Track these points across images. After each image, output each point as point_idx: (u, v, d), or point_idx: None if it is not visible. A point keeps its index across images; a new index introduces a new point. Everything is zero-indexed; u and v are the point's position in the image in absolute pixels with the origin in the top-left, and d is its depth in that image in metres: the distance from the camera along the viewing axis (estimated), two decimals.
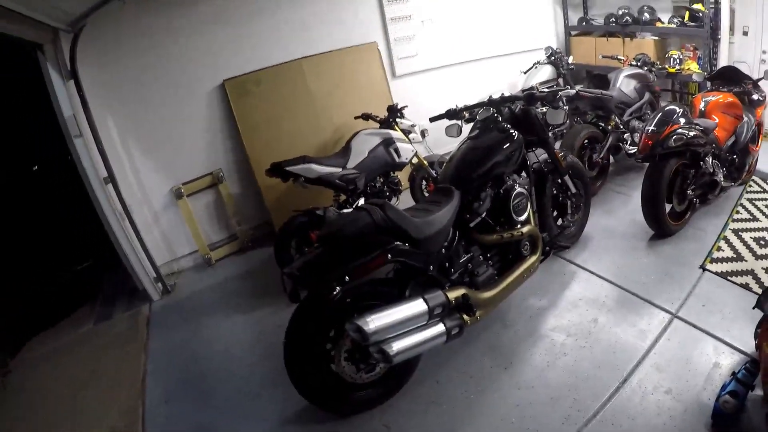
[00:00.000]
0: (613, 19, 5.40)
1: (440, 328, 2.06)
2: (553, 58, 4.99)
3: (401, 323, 1.94)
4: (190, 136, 3.83)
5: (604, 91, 4.06)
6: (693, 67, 4.84)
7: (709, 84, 3.89)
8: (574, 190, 3.09)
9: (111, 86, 3.47)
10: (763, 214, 3.62)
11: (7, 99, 3.92)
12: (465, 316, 2.18)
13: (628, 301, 2.77)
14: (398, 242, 2.01)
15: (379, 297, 2.08)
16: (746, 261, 3.06)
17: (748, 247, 3.21)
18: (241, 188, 4.14)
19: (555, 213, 3.12)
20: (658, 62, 4.80)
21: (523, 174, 2.72)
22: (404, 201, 3.97)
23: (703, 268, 3.00)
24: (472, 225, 2.45)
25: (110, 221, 3.33)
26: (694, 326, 2.51)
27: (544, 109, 3.01)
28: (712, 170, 3.31)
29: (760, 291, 2.70)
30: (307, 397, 2.10)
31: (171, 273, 3.88)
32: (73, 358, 3.08)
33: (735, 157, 3.56)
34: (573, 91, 3.77)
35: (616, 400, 2.14)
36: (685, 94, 5.38)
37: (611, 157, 4.11)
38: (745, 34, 4.87)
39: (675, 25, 4.96)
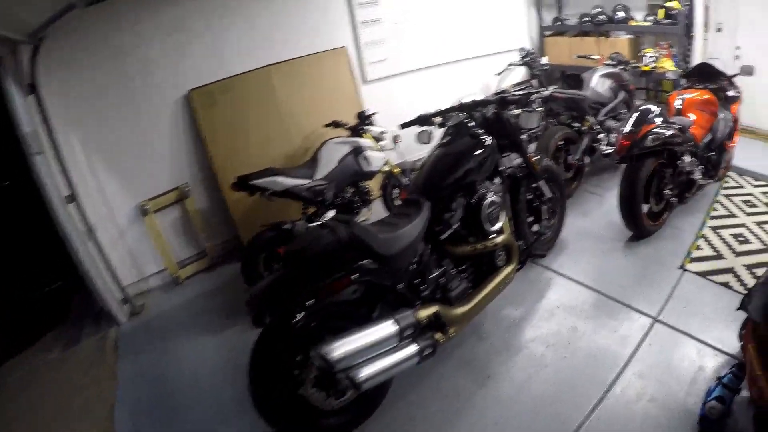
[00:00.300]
0: (588, 19, 5.45)
1: (411, 349, 2.00)
2: (526, 59, 5.00)
3: (369, 347, 1.88)
4: (155, 150, 3.74)
5: (578, 92, 4.07)
6: (667, 64, 4.90)
7: (684, 81, 3.93)
8: (549, 195, 3.06)
9: (73, 100, 3.36)
10: (740, 209, 3.66)
11: None
12: (438, 335, 2.13)
13: (608, 306, 2.74)
14: (365, 260, 1.94)
15: (347, 318, 2.01)
16: (726, 259, 3.07)
17: (726, 244, 3.23)
18: (208, 203, 4.04)
19: (530, 218, 3.09)
20: (633, 61, 4.85)
21: (497, 180, 2.67)
22: (376, 210, 3.93)
23: (682, 268, 3.00)
24: (443, 237, 2.38)
25: (73, 241, 3.21)
26: (676, 329, 2.50)
27: (518, 111, 2.99)
28: (689, 169, 3.32)
29: (741, 289, 2.75)
30: (274, 425, 2.01)
31: (139, 293, 3.77)
32: (40, 388, 2.97)
33: (712, 154, 3.58)
34: (547, 93, 3.77)
35: (599, 411, 2.11)
36: (659, 92, 5.44)
37: (587, 158, 4.10)
38: (719, 30, 4.95)
39: (650, 24, 5.02)
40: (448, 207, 2.39)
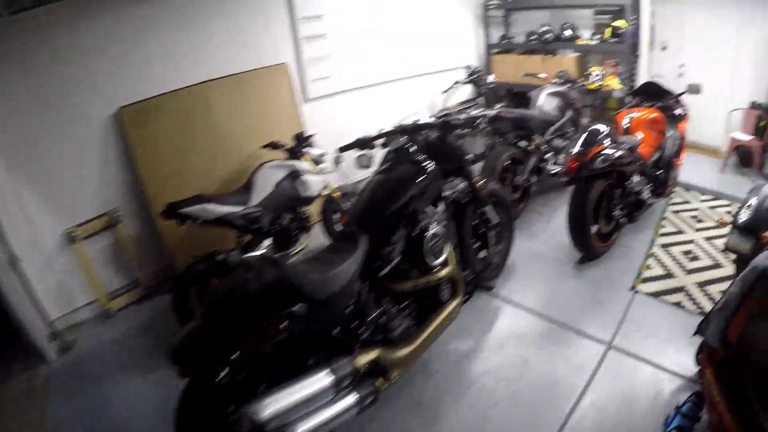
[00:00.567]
0: (535, 37, 5.57)
1: (350, 400, 1.83)
2: (473, 76, 5.01)
3: (303, 403, 1.70)
4: (83, 173, 3.50)
5: (525, 111, 4.07)
6: (614, 83, 5.04)
7: (630, 99, 4.00)
8: (496, 220, 2.97)
9: None
10: (689, 225, 3.73)
11: None
12: (379, 380, 1.97)
13: (560, 334, 2.68)
14: (296, 305, 1.76)
15: (278, 368, 1.82)
16: (677, 277, 3.10)
17: (677, 262, 3.26)
18: (140, 229, 3.80)
19: (476, 244, 2.98)
20: (581, 79, 4.95)
21: (440, 207, 2.53)
22: (316, 236, 3.80)
23: (633, 289, 3.01)
24: (382, 273, 2.22)
25: None
26: (631, 354, 2.49)
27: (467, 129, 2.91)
28: (638, 189, 3.34)
29: (693, 308, 2.79)
30: None
31: (69, 326, 3.50)
32: None
33: (660, 172, 3.64)
34: (493, 112, 3.75)
35: None
36: (605, 110, 5.59)
37: (534, 178, 4.09)
38: (664, 49, 5.18)
39: (596, 42, 5.17)
40: (388, 240, 2.22)
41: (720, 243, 3.38)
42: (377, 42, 4.87)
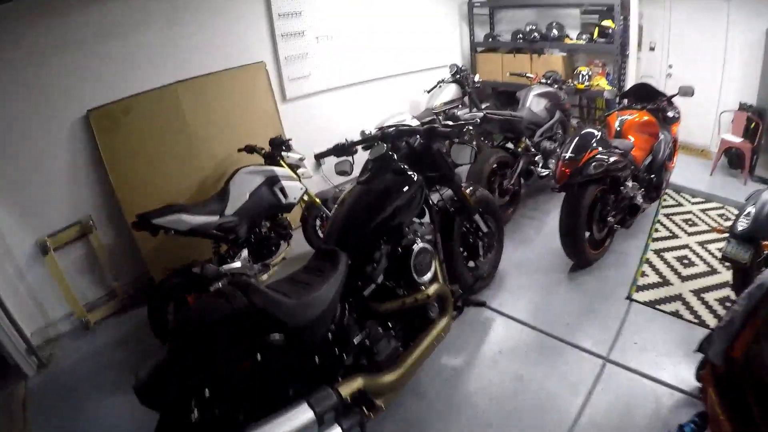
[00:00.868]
0: (521, 36, 5.52)
1: None
2: (458, 76, 4.90)
3: None
4: (52, 180, 3.39)
5: (513, 113, 4.00)
6: (602, 83, 5.01)
7: (620, 100, 3.94)
8: (485, 230, 2.88)
9: None
10: (682, 229, 3.70)
11: None
12: (365, 409, 1.84)
13: (554, 348, 2.60)
14: (271, 334, 1.62)
15: (254, 401, 1.67)
16: (673, 285, 3.06)
17: (672, 268, 3.22)
18: (115, 238, 3.70)
19: (464, 253, 2.88)
20: (570, 80, 4.90)
21: (426, 218, 2.41)
22: (298, 242, 3.67)
23: (629, 298, 2.95)
24: (366, 293, 2.09)
25: None
26: (629, 369, 2.42)
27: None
28: (632, 194, 3.28)
29: (691, 318, 2.74)
30: None
31: (47, 340, 3.41)
32: None
33: (653, 176, 3.58)
34: (480, 115, 3.66)
35: None
36: (593, 110, 5.57)
37: (522, 182, 4.02)
38: (652, 49, 5.18)
39: (584, 42, 5.14)
40: (371, 257, 2.09)
41: (714, 247, 3.37)
42: (358, 40, 4.78)
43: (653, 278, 3.12)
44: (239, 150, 3.57)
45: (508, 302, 2.99)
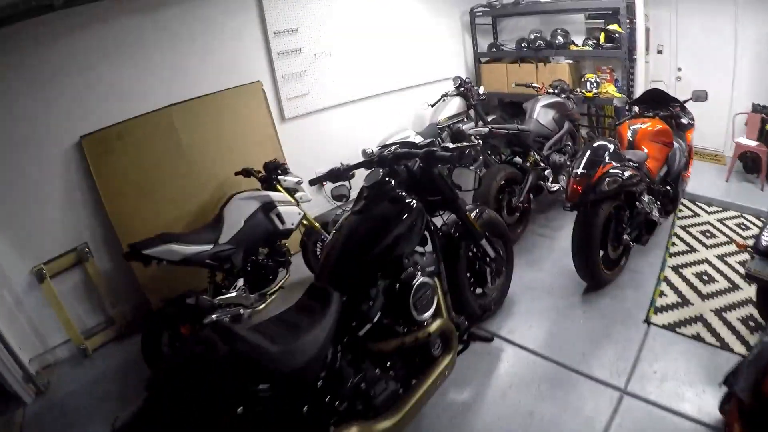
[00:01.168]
0: (525, 44, 5.40)
1: None
2: (462, 88, 4.81)
3: None
4: (47, 206, 3.39)
5: (520, 126, 3.89)
6: (611, 90, 4.88)
7: (631, 108, 3.80)
8: (493, 255, 2.74)
9: None
10: (700, 242, 3.55)
11: None
12: None
13: (568, 379, 2.44)
14: (256, 384, 1.49)
15: None
16: (693, 305, 2.92)
17: (691, 285, 3.08)
18: (112, 265, 3.67)
19: (471, 279, 2.74)
20: (578, 89, 4.78)
21: (427, 248, 2.26)
22: (298, 268, 3.57)
23: (647, 321, 2.80)
24: (361, 333, 1.94)
25: None
26: (648, 401, 2.27)
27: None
28: (649, 209, 3.13)
29: (713, 341, 2.59)
30: None
31: (45, 367, 3.41)
32: None
33: (669, 188, 3.43)
34: (486, 130, 3.54)
35: None
36: (602, 118, 5.43)
37: (532, 197, 3.88)
38: (660, 52, 5.04)
39: (590, 47, 5.01)
40: (366, 294, 1.95)
41: (734, 260, 3.23)
42: (358, 55, 4.72)
43: (672, 298, 2.97)
44: (236, 173, 3.50)
45: (518, 329, 2.85)
